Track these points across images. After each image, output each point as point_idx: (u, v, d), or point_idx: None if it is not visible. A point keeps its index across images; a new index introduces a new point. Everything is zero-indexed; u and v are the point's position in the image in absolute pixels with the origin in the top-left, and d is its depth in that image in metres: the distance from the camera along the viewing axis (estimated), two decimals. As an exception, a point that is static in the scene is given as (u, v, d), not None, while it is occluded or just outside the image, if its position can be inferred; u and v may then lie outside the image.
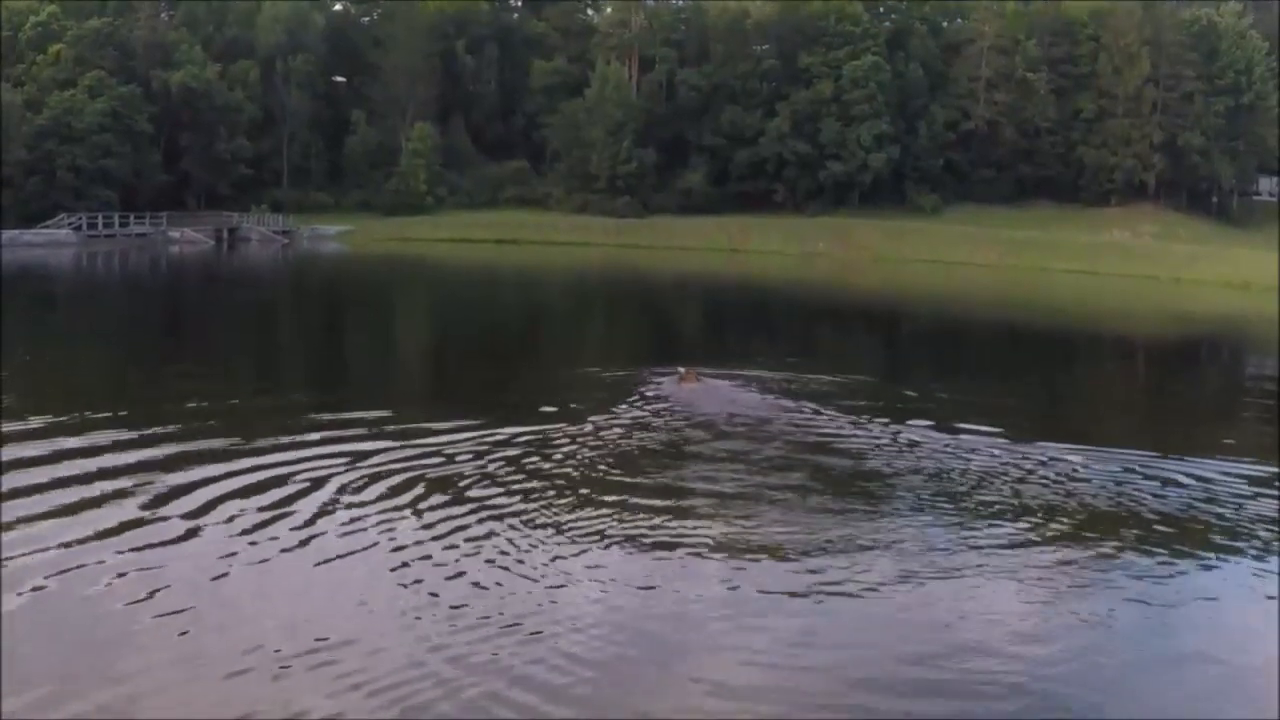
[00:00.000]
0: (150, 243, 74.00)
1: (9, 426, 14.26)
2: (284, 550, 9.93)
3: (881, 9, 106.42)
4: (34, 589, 8.71)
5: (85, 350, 25.30)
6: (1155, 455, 14.95)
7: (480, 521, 10.75)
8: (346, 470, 12.47)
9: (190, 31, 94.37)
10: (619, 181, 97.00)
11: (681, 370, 19.75)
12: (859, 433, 16.00)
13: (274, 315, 38.53)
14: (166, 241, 75.11)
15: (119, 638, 8.02)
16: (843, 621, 8.88)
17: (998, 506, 12.01)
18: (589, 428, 15.59)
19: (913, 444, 15.24)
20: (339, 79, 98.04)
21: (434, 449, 13.67)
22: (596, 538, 10.49)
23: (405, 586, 9.17)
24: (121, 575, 9.12)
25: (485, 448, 13.87)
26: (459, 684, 7.37)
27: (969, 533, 11.00)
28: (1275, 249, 74.55)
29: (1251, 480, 13.95)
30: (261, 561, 9.68)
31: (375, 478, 12.19)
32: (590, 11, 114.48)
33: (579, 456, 13.79)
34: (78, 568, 9.21)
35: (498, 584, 9.20)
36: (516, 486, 12.06)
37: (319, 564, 9.69)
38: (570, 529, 10.69)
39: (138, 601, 8.59)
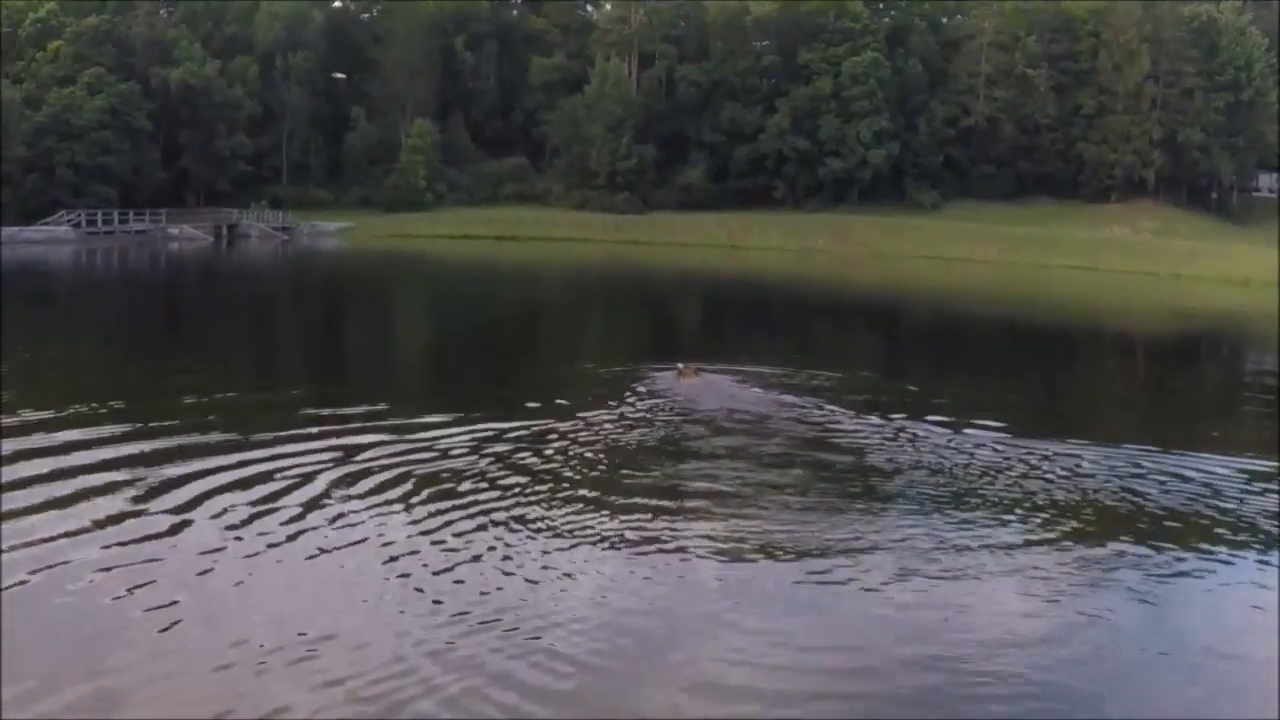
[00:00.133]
0: (149, 240, 74.02)
1: (5, 421, 14.23)
2: (274, 545, 9.87)
3: (881, 5, 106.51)
4: (21, 582, 8.68)
5: (84, 347, 25.31)
6: (1156, 451, 14.91)
7: (472, 517, 10.68)
8: (340, 466, 12.42)
9: (189, 28, 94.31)
10: (618, 178, 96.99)
11: (680, 366, 19.72)
12: (859, 428, 15.95)
13: (272, 311, 38.51)
14: (166, 238, 75.13)
15: (105, 631, 7.98)
16: (842, 620, 8.81)
17: (998, 503, 11.96)
18: (586, 423, 15.54)
19: (913, 440, 15.20)
20: (338, 75, 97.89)
21: (429, 445, 13.62)
22: (591, 534, 10.41)
23: (395, 582, 9.11)
24: (109, 569, 9.09)
25: (480, 443, 13.81)
26: (445, 681, 7.32)
27: (969, 529, 10.94)
28: (1274, 245, 74.62)
29: (1252, 475, 13.91)
30: (249, 556, 9.61)
31: (368, 473, 12.13)
32: (590, 8, 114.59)
33: (575, 452, 13.72)
34: (65, 562, 9.17)
35: (488, 580, 9.13)
36: (510, 482, 11.99)
37: (308, 559, 9.63)
38: (564, 525, 10.60)
39: (125, 596, 8.56)
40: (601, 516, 10.96)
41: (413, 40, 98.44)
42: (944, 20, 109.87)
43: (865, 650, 8.19)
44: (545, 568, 9.49)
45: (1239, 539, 11.14)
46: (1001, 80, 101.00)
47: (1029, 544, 10.58)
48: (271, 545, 9.88)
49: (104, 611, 8.31)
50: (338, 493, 11.40)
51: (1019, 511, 11.64)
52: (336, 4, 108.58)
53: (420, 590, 8.93)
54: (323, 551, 9.76)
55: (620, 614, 8.66)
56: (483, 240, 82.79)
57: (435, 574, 9.28)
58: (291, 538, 10.06)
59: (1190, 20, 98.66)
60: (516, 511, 10.93)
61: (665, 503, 11.59)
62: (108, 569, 9.10)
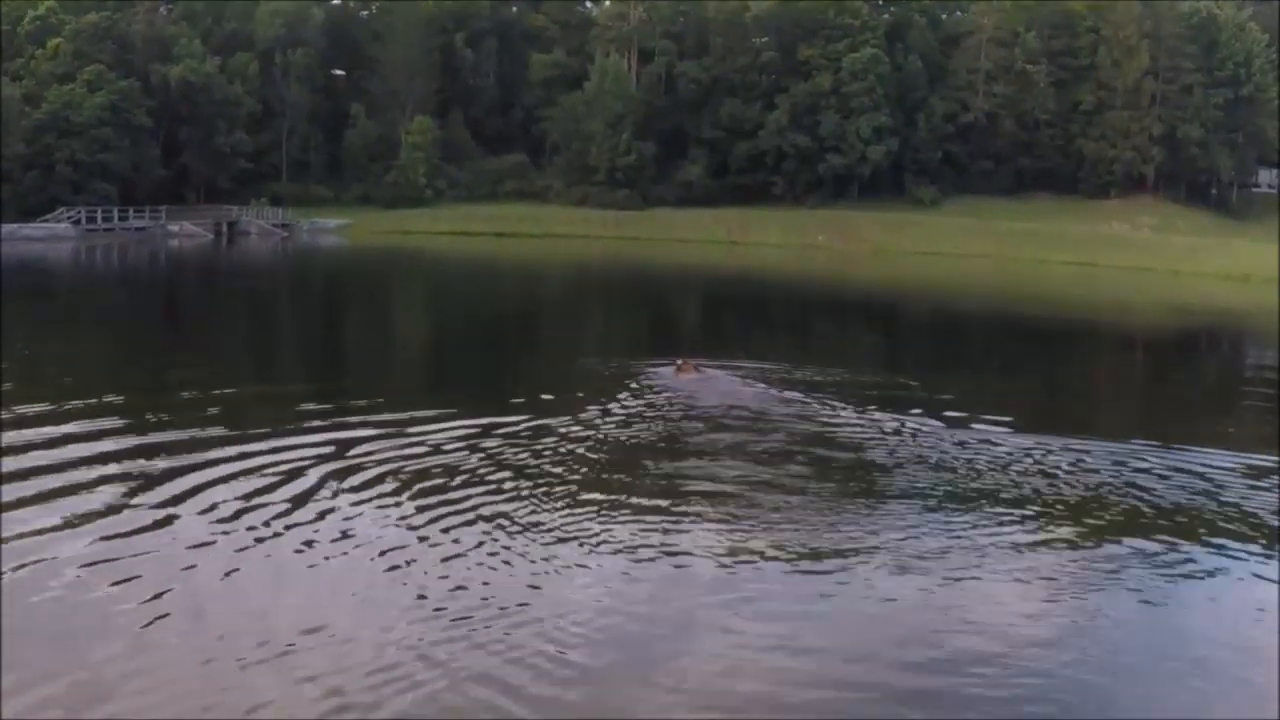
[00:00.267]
0: (149, 237, 74.07)
1: (2, 416, 14.23)
2: (265, 541, 9.80)
3: (881, 1, 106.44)
4: (7, 576, 8.65)
5: (84, 344, 25.27)
6: (1157, 446, 14.85)
7: (466, 513, 10.61)
8: (335, 461, 12.35)
9: (189, 25, 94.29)
10: (618, 174, 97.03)
11: (679, 362, 19.72)
12: (858, 424, 15.86)
13: (271, 308, 38.49)
14: (165, 235, 75.17)
15: (92, 626, 7.94)
16: (841, 618, 8.71)
17: (998, 499, 11.89)
18: (583, 419, 15.45)
19: (913, 436, 15.12)
20: (338, 72, 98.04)
21: (425, 441, 13.53)
22: (586, 531, 10.31)
23: (386, 578, 9.05)
24: (97, 564, 9.03)
25: (477, 439, 13.73)
26: (434, 678, 7.25)
27: (969, 526, 10.87)
28: (1274, 241, 74.74)
29: (1253, 471, 13.86)
30: (239, 551, 9.54)
31: (363, 469, 12.06)
32: (589, 4, 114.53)
33: (571, 448, 13.62)
34: (53, 557, 9.11)
35: (480, 577, 9.05)
36: (505, 478, 11.89)
37: (299, 555, 9.57)
38: (559, 522, 10.50)
39: (112, 590, 8.51)
40: (597, 513, 10.85)
41: (412, 37, 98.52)
42: (943, 16, 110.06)
43: (865, 649, 8.10)
44: (539, 565, 9.40)
45: (1240, 535, 11.08)
46: (1001, 76, 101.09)
47: (1029, 540, 10.51)
48: (262, 540, 9.81)
49: (91, 606, 8.26)
50: (332, 489, 11.32)
51: (1019, 508, 11.57)
52: (336, 1, 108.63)
53: (411, 586, 8.87)
54: (313, 547, 9.70)
55: (615, 612, 8.57)
56: (482, 237, 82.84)
57: (426, 570, 9.21)
58: (284, 534, 10.00)
59: (1190, 16, 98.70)
60: (510, 508, 10.83)
61: (662, 499, 11.48)
62: (96, 563, 9.05)
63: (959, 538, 10.47)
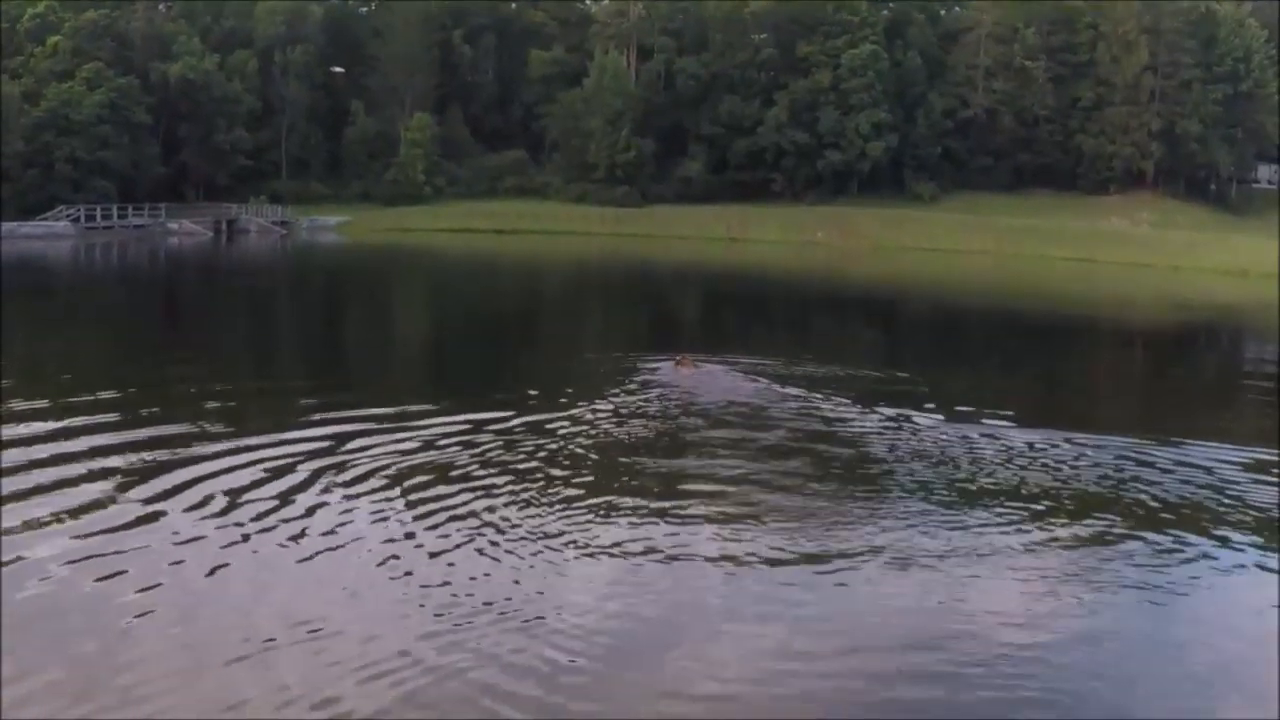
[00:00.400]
0: (149, 234, 73.98)
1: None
2: (257, 537, 9.80)
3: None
4: (6, 573, 8.66)
5: (83, 341, 25.25)
6: (1157, 441, 14.86)
7: (462, 511, 10.58)
8: (330, 458, 12.34)
9: (188, 23, 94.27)
10: (617, 171, 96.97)
11: (678, 357, 19.72)
12: (858, 420, 15.87)
13: (271, 306, 38.50)
14: (165, 233, 75.08)
15: (81, 622, 7.94)
16: (841, 617, 8.67)
17: (999, 495, 11.88)
18: (582, 415, 15.46)
19: (913, 432, 15.14)
20: (337, 70, 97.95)
21: (424, 437, 13.53)
22: (583, 529, 10.29)
23: (380, 575, 9.03)
24: (86, 560, 9.05)
25: (474, 436, 13.74)
26: (424, 677, 7.21)
27: (969, 521, 10.87)
28: (1273, 236, 74.74)
29: (1252, 466, 13.88)
30: (227, 547, 9.54)
31: (359, 466, 12.06)
32: (588, 1, 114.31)
33: (570, 445, 13.62)
34: (43, 554, 9.13)
35: (477, 574, 9.01)
36: (502, 476, 11.87)
37: (303, 551, 9.56)
38: (556, 519, 10.47)
39: (102, 586, 8.53)
40: (594, 510, 10.83)
41: (411, 34, 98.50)
42: (943, 12, 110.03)
43: (865, 648, 8.07)
44: (533, 563, 9.35)
45: (1240, 530, 11.09)
46: (1000, 72, 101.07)
47: (1030, 537, 10.51)
48: (255, 537, 9.81)
49: (81, 601, 8.29)
50: (328, 485, 11.32)
51: (1020, 503, 11.56)
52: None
53: (403, 583, 8.86)
54: (306, 543, 9.69)
55: (613, 610, 8.54)
56: (482, 234, 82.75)
57: (419, 567, 9.19)
58: (277, 530, 9.99)
59: (1189, 11, 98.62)
60: (506, 505, 10.81)
61: (660, 497, 11.47)
62: (86, 559, 9.06)
63: (960, 534, 10.46)
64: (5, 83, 78.61)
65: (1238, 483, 12.89)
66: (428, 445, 13.17)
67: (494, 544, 9.71)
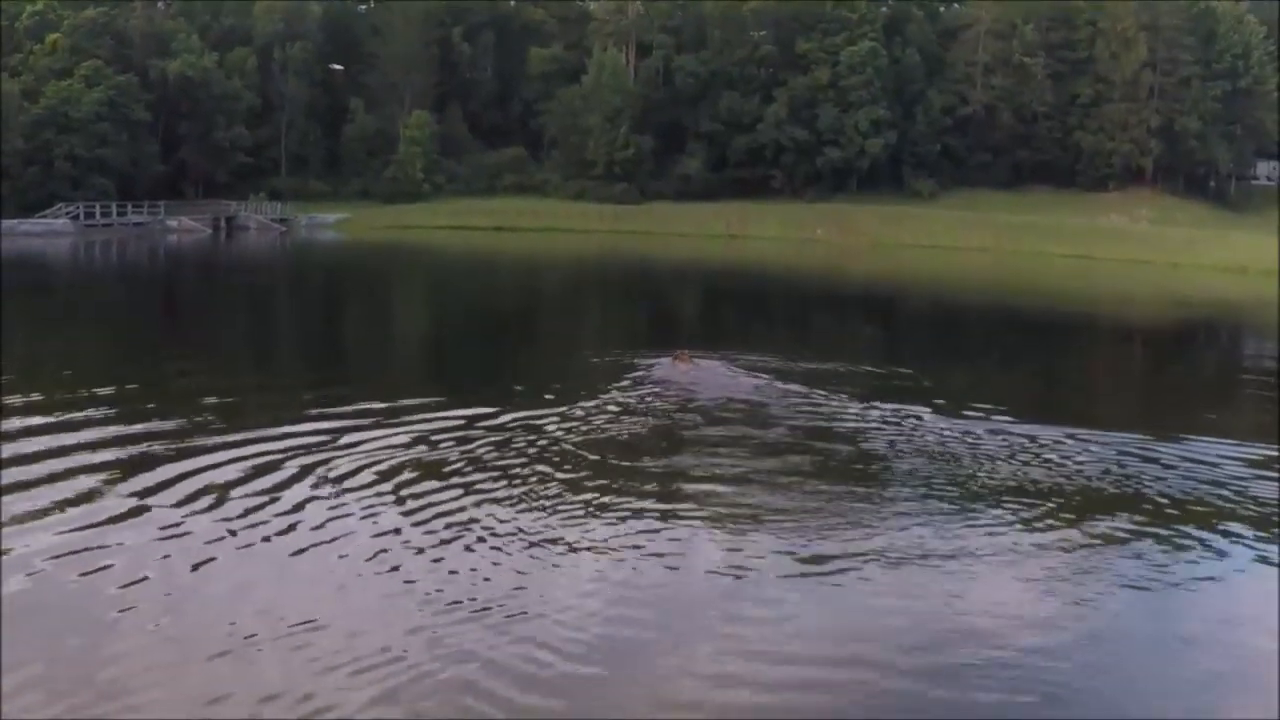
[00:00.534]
0: (148, 232, 73.94)
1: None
2: (250, 534, 9.77)
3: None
4: (17, 573, 8.66)
5: (82, 340, 25.25)
6: (1157, 438, 14.85)
7: (458, 508, 10.55)
8: (328, 455, 12.32)
9: (187, 20, 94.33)
10: (616, 168, 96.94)
11: (676, 353, 19.68)
12: (857, 417, 15.83)
13: (270, 303, 38.52)
14: (164, 230, 75.04)
15: (101, 620, 7.94)
16: (839, 612, 8.65)
17: (999, 491, 11.87)
18: (580, 413, 15.40)
19: (913, 428, 15.12)
20: (336, 67, 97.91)
21: (419, 434, 13.51)
22: (582, 525, 10.26)
23: (371, 572, 8.99)
24: (102, 560, 9.04)
25: (471, 433, 13.71)
26: (434, 670, 7.21)
27: (969, 518, 10.87)
28: (1272, 233, 74.74)
29: (1253, 462, 13.88)
30: (222, 543, 9.53)
31: (356, 462, 12.03)
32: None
33: (568, 442, 13.56)
34: (63, 554, 9.12)
35: (469, 574, 8.95)
36: (498, 473, 11.82)
37: (293, 547, 9.55)
38: (556, 516, 10.45)
39: (119, 586, 8.50)
40: (590, 507, 10.79)
41: (410, 32, 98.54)
42: (941, 9, 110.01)
43: (864, 646, 8.00)
44: (528, 561, 9.30)
45: (1241, 526, 11.09)
46: (999, 69, 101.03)
47: (1030, 534, 10.48)
48: (248, 533, 9.79)
49: (72, 596, 8.31)
50: (324, 482, 11.29)
51: (1020, 501, 11.54)
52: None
53: (395, 580, 8.83)
54: (299, 540, 9.67)
55: (611, 607, 8.49)
56: (481, 231, 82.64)
57: (412, 564, 9.16)
58: (283, 526, 9.98)
59: (1188, 7, 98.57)
60: (502, 503, 10.76)
61: (657, 493, 11.44)
62: (79, 555, 9.07)
63: (960, 531, 10.44)
64: (5, 80, 78.65)
65: (1238, 479, 12.87)
66: (422, 442, 13.16)
67: (485, 541, 9.69)
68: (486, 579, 8.87)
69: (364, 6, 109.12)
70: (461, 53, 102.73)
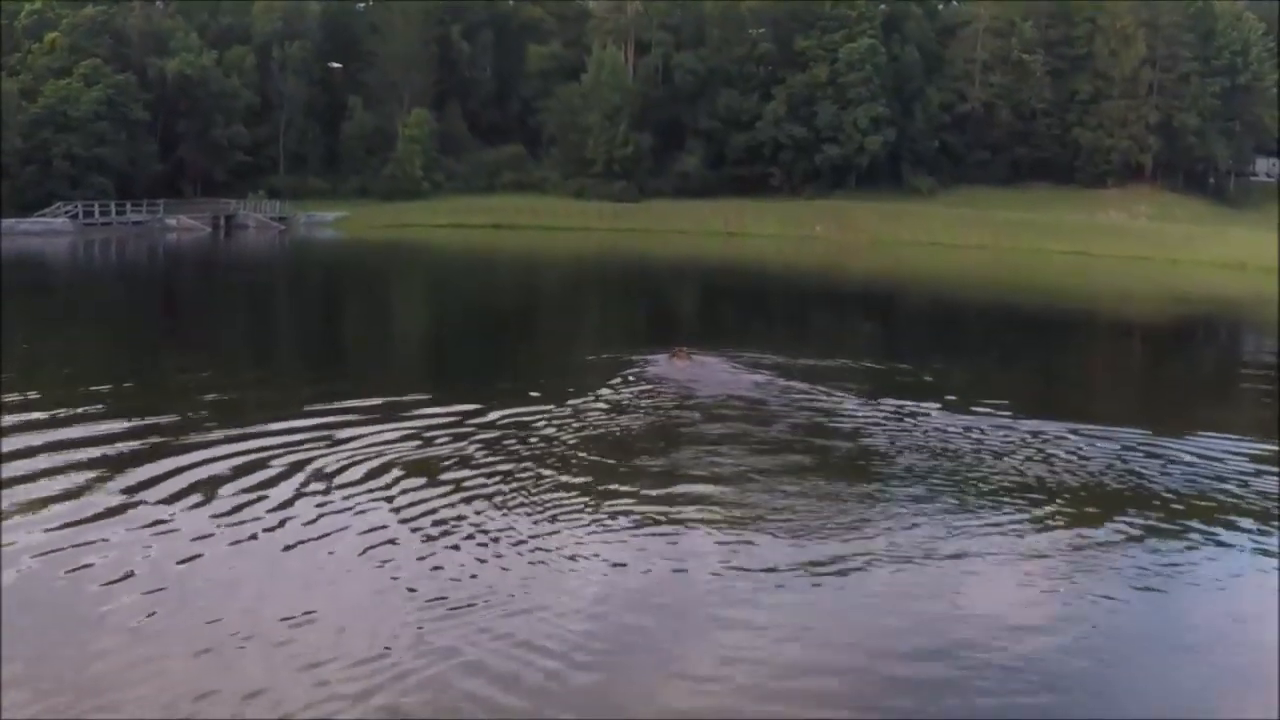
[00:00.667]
0: (147, 230, 73.83)
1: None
2: (248, 530, 9.79)
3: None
4: (3, 570, 8.65)
5: (82, 339, 25.24)
6: (1156, 434, 14.87)
7: (457, 505, 10.54)
8: (326, 451, 12.34)
9: (185, 19, 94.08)
10: (615, 165, 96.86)
11: (674, 350, 19.64)
12: (857, 413, 15.86)
13: (269, 301, 38.49)
14: (163, 229, 74.94)
15: (87, 617, 7.95)
16: (839, 612, 8.61)
17: (999, 488, 11.87)
18: (578, 410, 15.40)
19: (912, 424, 15.14)
20: (335, 65, 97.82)
21: (418, 432, 13.49)
22: (580, 523, 10.24)
23: (369, 568, 8.99)
24: (96, 557, 9.04)
25: (470, 430, 13.70)
26: (422, 669, 7.19)
27: (969, 514, 10.87)
28: (1271, 229, 74.78)
29: (1253, 458, 13.89)
30: (217, 540, 9.55)
31: (354, 459, 12.02)
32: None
33: (566, 439, 13.55)
34: (52, 551, 9.12)
35: (469, 570, 8.95)
36: (497, 471, 11.80)
37: (286, 543, 9.55)
38: (552, 514, 10.42)
39: (106, 582, 8.51)
40: (592, 505, 10.77)
41: (409, 30, 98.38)
42: (940, 6, 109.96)
43: (864, 641, 8.02)
44: (528, 557, 9.28)
45: (1241, 522, 11.10)
46: (998, 66, 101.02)
47: (1030, 530, 10.48)
48: (245, 529, 9.81)
49: (87, 597, 8.28)
50: (322, 479, 11.27)
51: (1020, 496, 11.55)
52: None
53: (394, 577, 8.83)
54: (297, 536, 9.68)
55: (605, 606, 8.47)
56: (479, 229, 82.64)
57: (410, 561, 9.16)
58: (272, 523, 9.99)
59: (1187, 4, 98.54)
60: (501, 500, 10.74)
61: (658, 490, 11.40)
62: (90, 555, 9.07)
63: (959, 527, 10.44)
64: (3, 79, 78.48)
65: (1239, 475, 12.89)
66: (418, 439, 13.15)
67: (481, 539, 9.67)
68: (473, 575, 8.86)
69: (362, 5, 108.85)
70: (460, 51, 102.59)
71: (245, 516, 10.13)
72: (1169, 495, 11.92)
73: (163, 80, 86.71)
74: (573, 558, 9.40)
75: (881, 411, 16.02)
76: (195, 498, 10.63)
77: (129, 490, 10.80)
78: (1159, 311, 45.64)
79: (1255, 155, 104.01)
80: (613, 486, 11.46)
